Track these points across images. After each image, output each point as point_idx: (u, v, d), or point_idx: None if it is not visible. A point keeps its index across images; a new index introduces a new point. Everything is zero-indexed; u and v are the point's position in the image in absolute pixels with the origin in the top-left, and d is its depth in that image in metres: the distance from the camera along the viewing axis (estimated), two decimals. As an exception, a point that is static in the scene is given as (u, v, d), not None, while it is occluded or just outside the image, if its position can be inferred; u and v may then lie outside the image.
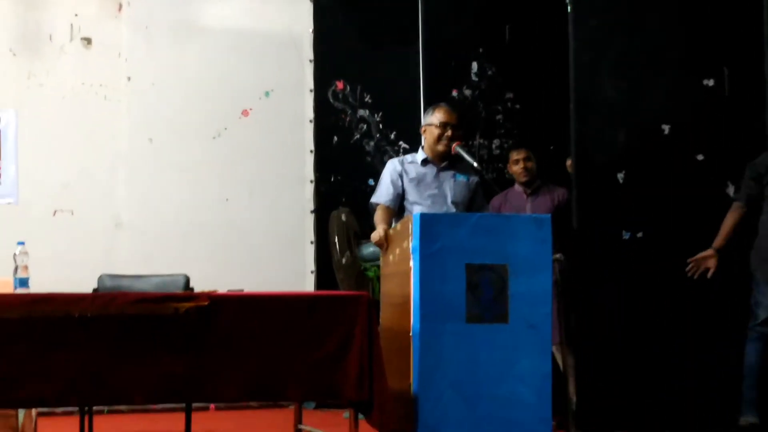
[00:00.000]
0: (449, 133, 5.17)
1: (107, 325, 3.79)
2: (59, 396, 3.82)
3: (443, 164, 5.25)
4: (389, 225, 5.08)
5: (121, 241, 6.74)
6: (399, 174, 5.20)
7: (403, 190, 5.20)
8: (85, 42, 6.75)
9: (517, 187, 6.05)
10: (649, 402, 5.22)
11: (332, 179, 7.01)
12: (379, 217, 5.16)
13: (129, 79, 6.83)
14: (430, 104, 5.55)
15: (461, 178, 5.25)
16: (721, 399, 5.15)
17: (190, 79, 6.95)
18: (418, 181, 5.21)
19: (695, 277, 5.09)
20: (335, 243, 6.46)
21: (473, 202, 5.29)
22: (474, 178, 5.31)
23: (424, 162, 5.25)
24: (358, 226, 6.44)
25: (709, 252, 5.10)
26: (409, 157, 5.34)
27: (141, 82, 6.84)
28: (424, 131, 5.28)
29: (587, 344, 5.29)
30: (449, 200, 5.19)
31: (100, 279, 5.00)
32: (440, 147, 5.18)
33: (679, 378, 5.23)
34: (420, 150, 5.33)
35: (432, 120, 5.22)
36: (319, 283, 6.95)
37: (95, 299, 3.85)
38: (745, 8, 5.18)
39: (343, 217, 6.55)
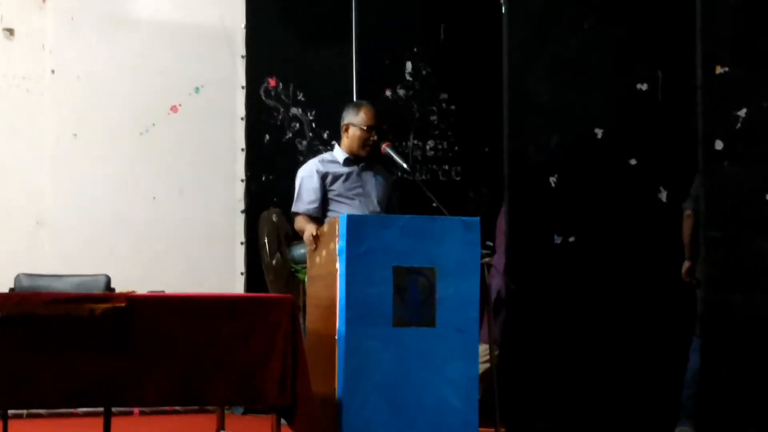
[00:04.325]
0: (375, 137, 5.04)
1: (20, 326, 3.70)
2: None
3: (362, 164, 5.13)
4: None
5: (42, 240, 6.58)
6: (321, 176, 5.03)
7: (325, 192, 5.04)
8: (8, 33, 6.57)
9: None
10: (580, 406, 5.22)
11: (263, 179, 6.92)
12: (302, 225, 5.00)
13: (53, 71, 6.67)
14: (361, 103, 5.46)
15: (380, 178, 5.16)
16: (654, 405, 5.16)
17: (118, 73, 6.80)
18: (344, 180, 5.05)
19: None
20: (265, 244, 6.37)
21: (390, 201, 5.19)
22: (390, 178, 5.23)
23: (347, 161, 5.11)
24: (289, 228, 6.34)
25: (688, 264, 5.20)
26: (327, 155, 5.17)
27: (66, 75, 6.68)
28: (346, 129, 5.10)
29: (518, 348, 5.27)
30: (374, 199, 5.07)
31: (17, 279, 4.88)
32: (363, 152, 5.04)
33: (610, 383, 5.23)
34: (337, 147, 5.17)
35: (357, 121, 5.04)
36: (249, 284, 6.86)
37: (7, 299, 3.76)
38: (678, 14, 5.20)
39: (274, 218, 6.45)
